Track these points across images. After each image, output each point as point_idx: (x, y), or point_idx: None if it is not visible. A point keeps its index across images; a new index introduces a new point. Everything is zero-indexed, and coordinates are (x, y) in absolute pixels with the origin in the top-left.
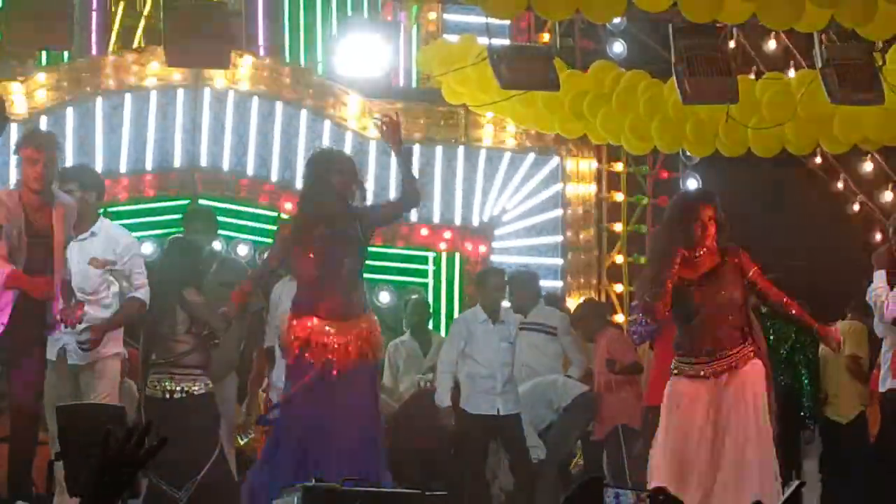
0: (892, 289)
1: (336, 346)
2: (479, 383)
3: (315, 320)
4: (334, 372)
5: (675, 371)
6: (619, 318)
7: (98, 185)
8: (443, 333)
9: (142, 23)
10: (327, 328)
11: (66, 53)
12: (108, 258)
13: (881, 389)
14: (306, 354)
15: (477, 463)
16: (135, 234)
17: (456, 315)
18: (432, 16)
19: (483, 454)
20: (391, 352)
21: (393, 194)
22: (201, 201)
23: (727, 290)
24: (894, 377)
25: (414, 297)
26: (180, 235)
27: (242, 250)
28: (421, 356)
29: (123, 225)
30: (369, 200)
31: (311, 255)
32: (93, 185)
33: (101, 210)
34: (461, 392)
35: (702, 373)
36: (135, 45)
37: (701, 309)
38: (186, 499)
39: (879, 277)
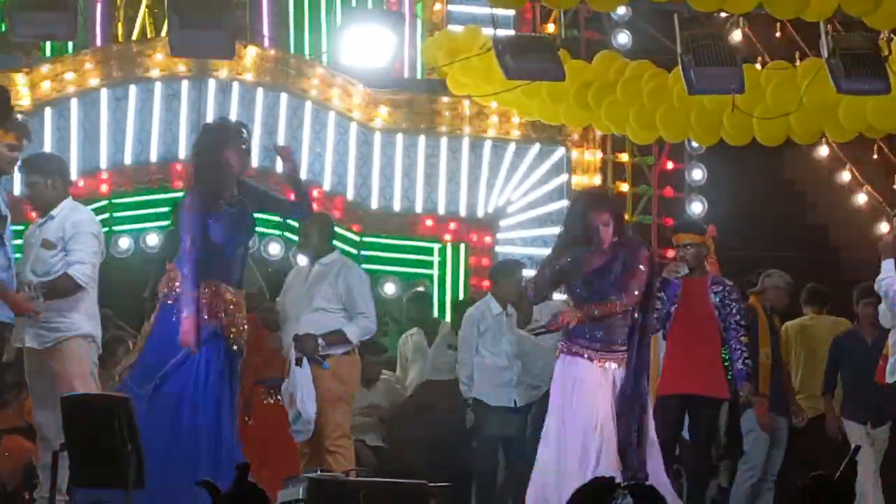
0: None
1: None
2: (496, 375)
3: None
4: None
5: None
6: None
7: (62, 171)
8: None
9: (142, 10)
10: None
11: (70, 44)
12: (58, 236)
13: (889, 381)
14: None
15: (494, 454)
16: (141, 225)
17: None
18: (437, 6)
19: (498, 446)
20: (400, 344)
21: (398, 186)
22: None
23: None
24: None
25: (417, 289)
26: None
27: None
28: (426, 348)
29: (129, 217)
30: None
31: None
32: (57, 171)
33: (106, 201)
34: (475, 384)
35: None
36: (134, 36)
37: None
38: None
39: (887, 267)
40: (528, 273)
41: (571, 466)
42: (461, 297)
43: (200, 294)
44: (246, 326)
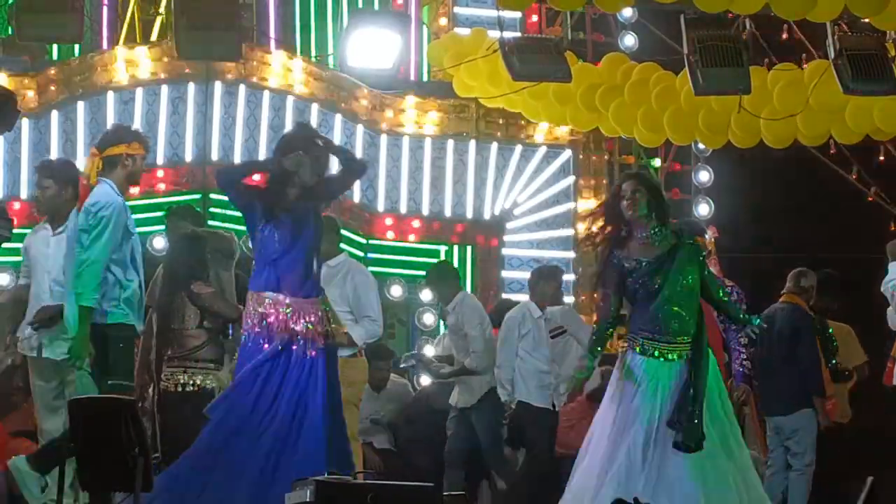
0: None
1: None
2: (539, 378)
3: None
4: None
5: None
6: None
7: (74, 179)
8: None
9: (158, 19)
10: None
11: (77, 48)
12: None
13: None
14: None
15: (551, 455)
16: (147, 228)
17: None
18: (443, 9)
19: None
20: (434, 344)
21: (404, 188)
22: (212, 196)
23: None
24: None
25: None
26: (187, 231)
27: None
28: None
29: (137, 220)
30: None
31: None
32: (68, 179)
33: None
34: (515, 387)
35: None
36: (154, 38)
37: None
38: None
39: (893, 269)
40: (568, 277)
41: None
42: None
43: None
44: (318, 327)
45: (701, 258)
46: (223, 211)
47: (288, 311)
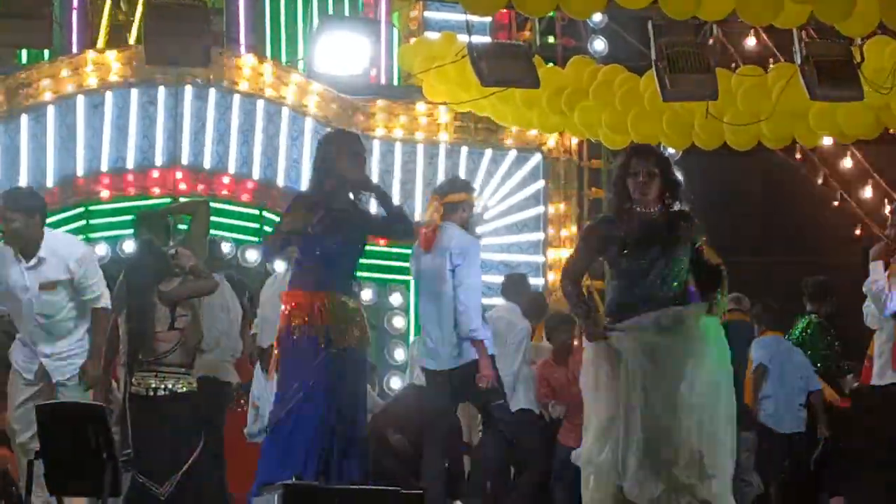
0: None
1: None
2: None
3: None
4: None
5: None
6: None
7: (40, 206)
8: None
9: (136, 23)
10: None
11: (46, 52)
12: (61, 277)
13: (880, 383)
14: None
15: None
16: (117, 232)
17: None
18: (413, 13)
19: None
20: (410, 346)
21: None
22: (182, 199)
23: None
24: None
25: None
26: (147, 237)
27: (225, 248)
28: None
29: (106, 224)
30: None
31: None
32: (38, 209)
33: (83, 208)
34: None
35: None
36: (132, 41)
37: None
38: (168, 495)
39: (877, 269)
40: (537, 281)
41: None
42: None
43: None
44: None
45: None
46: None
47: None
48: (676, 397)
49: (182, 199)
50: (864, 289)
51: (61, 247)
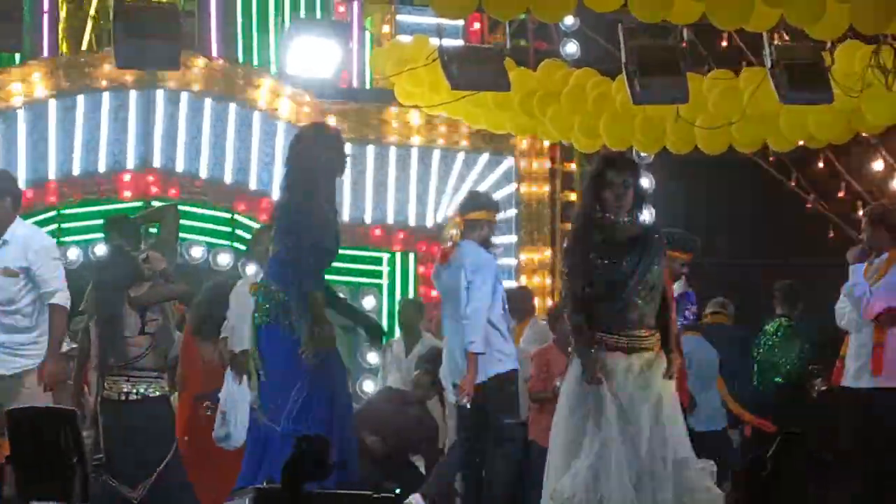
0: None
1: None
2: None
3: None
4: None
5: None
6: None
7: (12, 190)
8: (396, 334)
9: (89, 24)
10: None
11: (17, 55)
12: (20, 265)
13: (856, 385)
14: None
15: None
16: (89, 236)
17: None
18: (386, 16)
19: None
20: (385, 350)
21: (347, 196)
22: (154, 203)
23: None
24: (875, 374)
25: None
26: (118, 242)
27: (196, 252)
28: (403, 357)
29: (78, 228)
30: None
31: None
32: (7, 190)
33: (55, 212)
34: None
35: None
36: (84, 46)
37: None
38: (140, 499)
39: (858, 272)
40: (510, 283)
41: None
42: None
43: None
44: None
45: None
46: None
47: None
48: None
49: (154, 203)
50: (843, 292)
51: (26, 235)
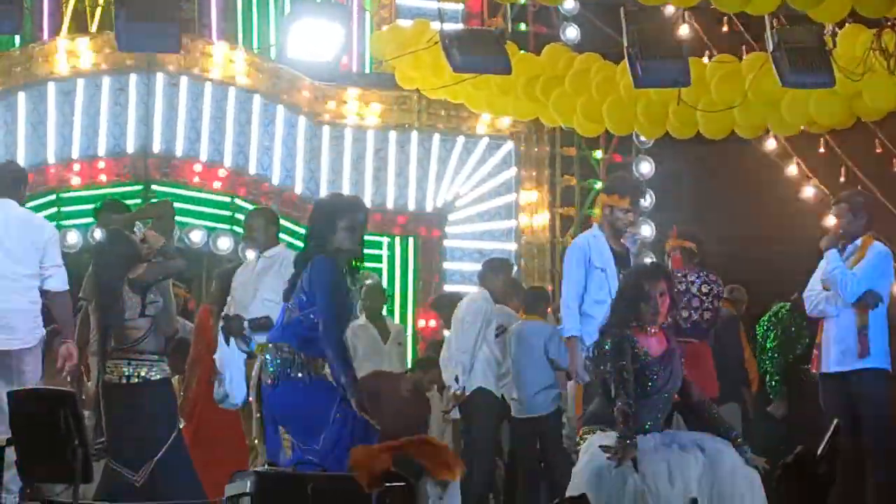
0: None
1: None
2: (496, 367)
3: None
4: None
5: None
6: None
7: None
8: (397, 319)
9: (98, 10)
10: None
11: (17, 38)
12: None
13: (836, 370)
14: None
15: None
16: (89, 220)
17: (409, 300)
18: (385, 1)
19: None
20: (349, 335)
21: (346, 180)
22: (154, 187)
23: None
24: (862, 356)
25: (368, 281)
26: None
27: (196, 236)
28: (381, 342)
29: (77, 211)
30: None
31: None
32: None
33: (55, 195)
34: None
35: None
36: (94, 29)
37: None
38: (143, 481)
39: (834, 257)
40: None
41: None
42: (410, 290)
43: None
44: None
45: None
46: None
47: None
48: None
49: (153, 187)
50: (821, 278)
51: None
